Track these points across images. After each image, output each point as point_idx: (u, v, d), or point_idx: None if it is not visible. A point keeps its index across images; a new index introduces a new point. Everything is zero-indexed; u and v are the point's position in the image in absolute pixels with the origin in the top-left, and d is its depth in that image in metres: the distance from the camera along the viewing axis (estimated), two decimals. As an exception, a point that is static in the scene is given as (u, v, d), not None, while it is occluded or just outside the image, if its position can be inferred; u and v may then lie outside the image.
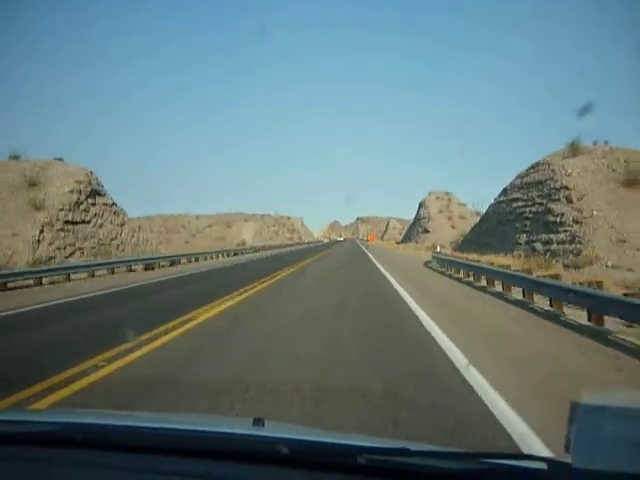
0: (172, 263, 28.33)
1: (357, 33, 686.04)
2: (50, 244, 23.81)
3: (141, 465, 1.39)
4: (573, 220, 24.13)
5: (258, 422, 1.63)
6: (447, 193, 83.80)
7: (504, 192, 37.39)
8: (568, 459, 1.11)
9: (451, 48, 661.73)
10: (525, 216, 30.74)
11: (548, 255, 23.63)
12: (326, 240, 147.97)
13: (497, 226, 36.04)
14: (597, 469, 1.07)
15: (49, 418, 1.78)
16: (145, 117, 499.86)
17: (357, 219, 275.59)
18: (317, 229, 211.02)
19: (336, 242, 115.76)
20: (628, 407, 1.17)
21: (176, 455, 1.39)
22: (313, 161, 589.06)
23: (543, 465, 1.20)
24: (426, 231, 74.38)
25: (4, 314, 10.68)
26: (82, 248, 26.30)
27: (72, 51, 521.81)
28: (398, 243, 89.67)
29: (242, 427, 1.69)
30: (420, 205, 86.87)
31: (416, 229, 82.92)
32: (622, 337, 7.59)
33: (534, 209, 29.84)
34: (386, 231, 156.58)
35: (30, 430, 1.53)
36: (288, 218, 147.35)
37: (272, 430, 1.66)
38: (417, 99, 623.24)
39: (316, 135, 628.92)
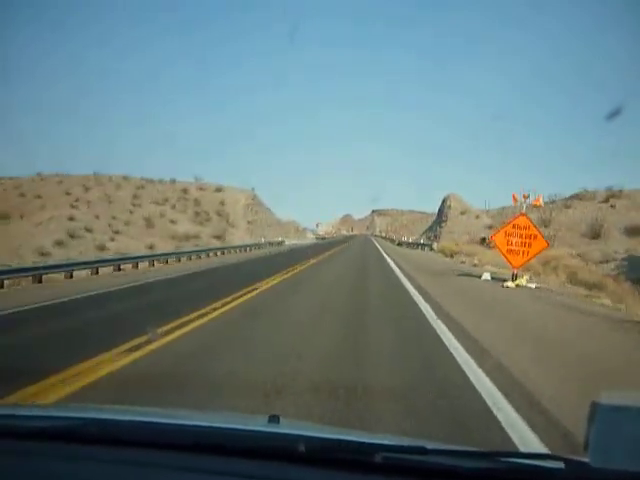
0: None
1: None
2: None
3: (155, 461, 1.36)
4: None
5: (273, 419, 1.58)
6: None
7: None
8: (587, 458, 1.07)
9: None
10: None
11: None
12: (290, 242, 59.94)
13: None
14: (615, 469, 1.05)
15: (64, 413, 1.76)
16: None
17: (373, 212, 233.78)
18: (327, 222, 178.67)
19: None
20: None
21: (191, 451, 1.37)
22: (320, 154, 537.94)
23: (561, 464, 1.18)
24: None
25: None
26: None
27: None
28: None
29: (258, 424, 1.65)
30: None
31: None
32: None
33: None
34: (442, 220, 70.67)
35: (45, 425, 1.50)
36: (218, 190, 64.90)
37: (288, 427, 1.63)
38: (430, 94, 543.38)
39: (330, 128, 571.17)
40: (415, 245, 43.45)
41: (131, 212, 48.89)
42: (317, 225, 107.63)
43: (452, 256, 24.81)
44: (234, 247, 35.66)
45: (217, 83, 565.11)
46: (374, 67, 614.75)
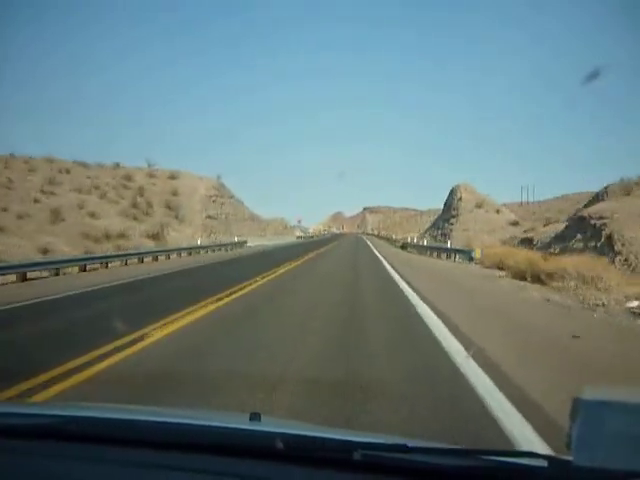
0: None
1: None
2: None
3: (136, 459, 1.35)
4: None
5: (255, 417, 1.56)
6: None
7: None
8: (570, 456, 1.05)
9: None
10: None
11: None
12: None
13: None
14: (599, 466, 1.02)
15: (46, 411, 1.73)
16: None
17: (364, 209, 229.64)
18: (317, 221, 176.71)
19: None
20: (631, 403, 1.09)
21: (172, 449, 1.35)
22: (312, 153, 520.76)
23: (544, 462, 1.16)
24: None
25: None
26: None
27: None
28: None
29: (238, 422, 1.63)
30: None
31: None
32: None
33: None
34: (451, 215, 57.76)
35: (26, 422, 1.50)
36: (172, 177, 51.29)
37: (268, 425, 1.60)
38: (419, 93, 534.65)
39: (321, 127, 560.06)
40: (430, 249, 30.23)
41: (36, 201, 35.57)
42: (299, 221, 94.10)
43: (540, 280, 12.25)
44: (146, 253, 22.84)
45: (215, 83, 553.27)
46: (368, 67, 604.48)
